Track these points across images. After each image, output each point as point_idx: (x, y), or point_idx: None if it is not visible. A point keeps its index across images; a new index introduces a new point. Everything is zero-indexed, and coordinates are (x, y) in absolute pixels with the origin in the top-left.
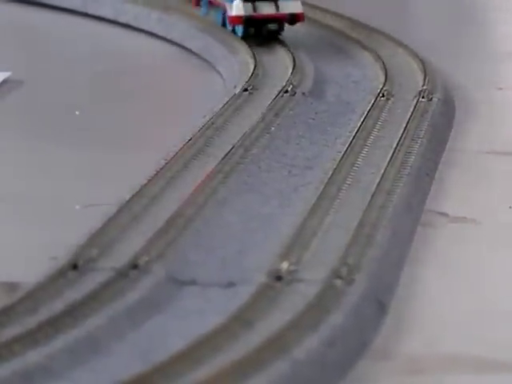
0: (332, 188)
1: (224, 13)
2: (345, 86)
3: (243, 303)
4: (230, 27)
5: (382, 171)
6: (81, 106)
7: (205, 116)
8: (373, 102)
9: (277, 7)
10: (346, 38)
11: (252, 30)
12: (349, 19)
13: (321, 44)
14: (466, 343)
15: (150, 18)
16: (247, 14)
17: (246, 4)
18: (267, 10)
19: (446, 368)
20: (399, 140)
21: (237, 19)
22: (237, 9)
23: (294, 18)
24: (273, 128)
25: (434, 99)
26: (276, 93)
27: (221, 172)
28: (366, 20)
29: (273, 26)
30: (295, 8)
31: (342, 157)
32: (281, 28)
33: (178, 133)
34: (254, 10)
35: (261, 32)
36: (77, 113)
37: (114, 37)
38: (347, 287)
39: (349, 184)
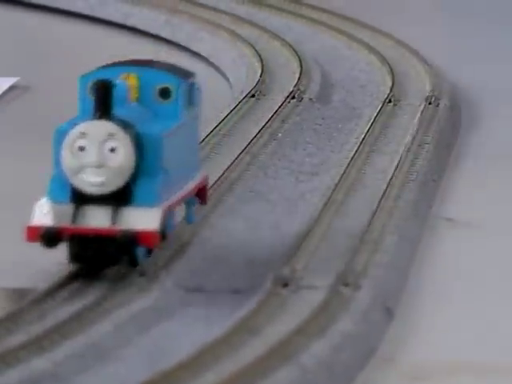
0: (339, 194)
1: None
2: (351, 90)
3: (250, 310)
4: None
5: (389, 177)
6: None
7: (211, 122)
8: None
9: (114, 217)
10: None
11: (78, 250)
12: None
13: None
14: (472, 350)
15: (158, 21)
16: (55, 224)
17: (60, 206)
18: (97, 220)
19: (451, 374)
20: (406, 146)
21: (33, 233)
22: (39, 214)
23: (135, 239)
24: (280, 134)
25: (440, 105)
26: (283, 98)
27: (228, 179)
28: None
29: (110, 248)
30: (144, 222)
31: (349, 163)
32: (128, 253)
33: None
34: (75, 218)
35: (95, 255)
36: None
37: (122, 41)
38: (354, 293)
39: (355, 190)
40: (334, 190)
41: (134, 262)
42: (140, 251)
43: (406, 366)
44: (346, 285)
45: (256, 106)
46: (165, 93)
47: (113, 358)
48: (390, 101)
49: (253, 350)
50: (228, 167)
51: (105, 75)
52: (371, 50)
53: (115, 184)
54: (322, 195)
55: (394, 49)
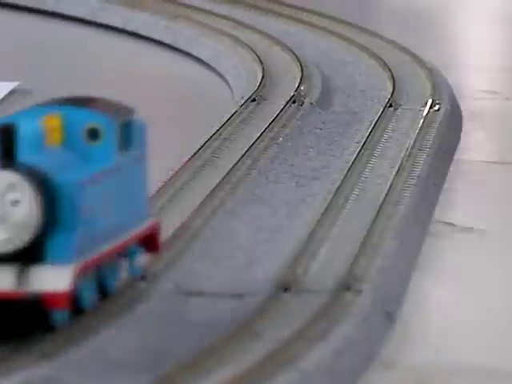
0: (339, 199)
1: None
2: (352, 95)
3: (251, 314)
4: None
5: (390, 182)
6: None
7: (212, 126)
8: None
9: (20, 278)
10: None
11: None
12: None
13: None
14: (473, 353)
15: (158, 26)
16: None
17: None
18: (1, 282)
19: (452, 378)
20: (407, 150)
21: None
22: None
23: (43, 302)
24: (280, 138)
25: (441, 109)
26: (284, 103)
27: (229, 183)
28: None
29: (16, 313)
30: (53, 283)
31: (350, 167)
32: (40, 318)
33: (185, 143)
34: None
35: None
36: None
37: (123, 46)
38: (355, 297)
39: (356, 194)
40: (334, 195)
41: (50, 327)
42: (61, 314)
43: (407, 369)
44: (347, 289)
45: (257, 111)
46: (93, 134)
47: (114, 363)
48: (390, 105)
49: (253, 354)
50: (229, 171)
51: (26, 118)
52: (372, 54)
53: (20, 240)
54: (323, 199)
55: (394, 53)
